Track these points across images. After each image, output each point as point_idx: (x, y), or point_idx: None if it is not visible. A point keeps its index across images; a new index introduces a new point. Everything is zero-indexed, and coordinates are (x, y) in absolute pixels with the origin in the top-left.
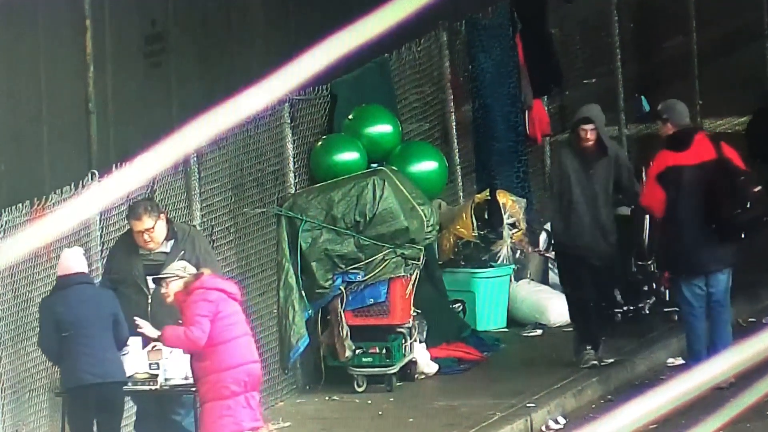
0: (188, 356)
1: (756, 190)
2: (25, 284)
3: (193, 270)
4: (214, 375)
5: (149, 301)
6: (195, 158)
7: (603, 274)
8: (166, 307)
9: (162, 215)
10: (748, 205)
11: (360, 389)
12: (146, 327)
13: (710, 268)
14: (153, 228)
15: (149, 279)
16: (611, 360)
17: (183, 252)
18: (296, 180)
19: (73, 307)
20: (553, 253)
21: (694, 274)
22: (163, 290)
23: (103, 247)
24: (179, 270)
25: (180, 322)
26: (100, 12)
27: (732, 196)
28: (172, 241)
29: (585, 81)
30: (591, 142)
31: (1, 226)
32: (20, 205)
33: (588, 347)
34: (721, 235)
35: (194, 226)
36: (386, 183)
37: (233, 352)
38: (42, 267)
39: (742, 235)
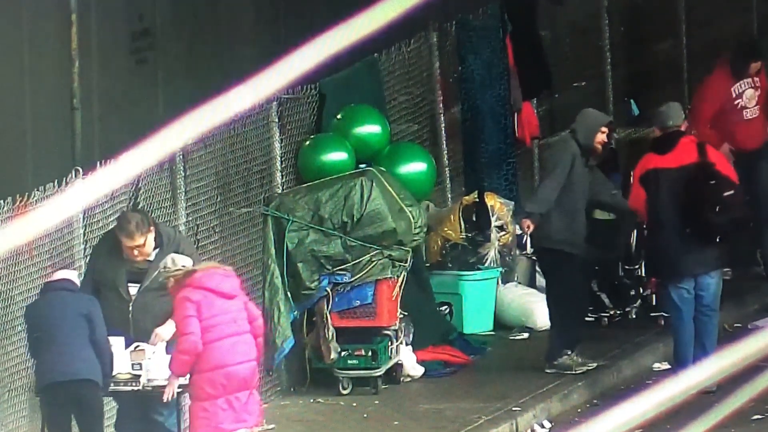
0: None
1: (727, 194)
2: (5, 282)
3: (184, 261)
4: (194, 375)
5: (130, 308)
6: (181, 156)
7: (584, 273)
8: (148, 313)
9: (152, 227)
10: (718, 209)
11: (345, 392)
12: (170, 387)
13: (696, 271)
14: (143, 244)
15: (131, 286)
16: (594, 364)
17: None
18: (283, 179)
19: (48, 309)
20: (537, 249)
21: (680, 277)
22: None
23: (86, 245)
24: (170, 265)
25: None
26: (86, 6)
27: (705, 199)
28: (157, 249)
29: (575, 84)
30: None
31: None
32: (2, 201)
33: (569, 352)
34: (697, 238)
35: (180, 230)
36: (374, 184)
37: (211, 355)
38: (24, 265)
39: (717, 239)
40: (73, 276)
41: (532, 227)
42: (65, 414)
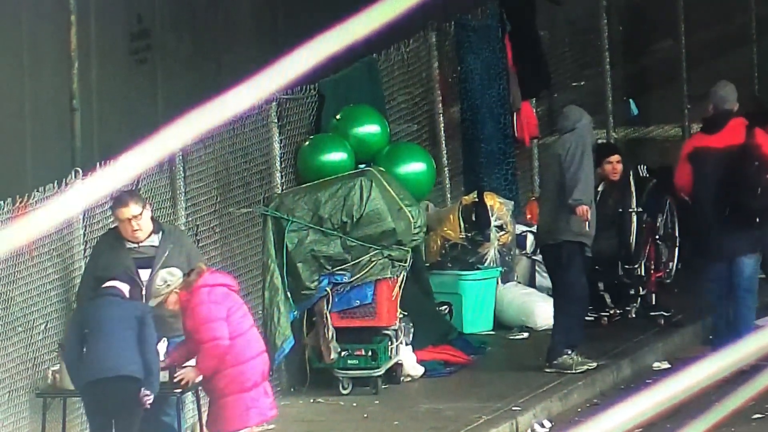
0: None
1: None
2: (6, 283)
3: (179, 273)
4: (233, 368)
5: (143, 293)
6: (180, 157)
7: (588, 273)
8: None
9: (147, 205)
10: (759, 191)
11: (345, 392)
12: (189, 374)
13: (732, 252)
14: (140, 215)
15: (140, 272)
16: (594, 364)
17: (171, 246)
18: (283, 180)
19: (98, 308)
20: (552, 244)
21: (716, 257)
22: (170, 307)
23: (85, 246)
24: (169, 279)
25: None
26: (85, 7)
27: (746, 180)
28: (160, 234)
29: (574, 83)
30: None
31: None
32: (2, 202)
33: (569, 351)
34: (735, 219)
35: (177, 226)
36: (374, 184)
37: (250, 344)
38: (24, 266)
39: (757, 220)
40: (124, 288)
41: (588, 212)
42: (106, 412)
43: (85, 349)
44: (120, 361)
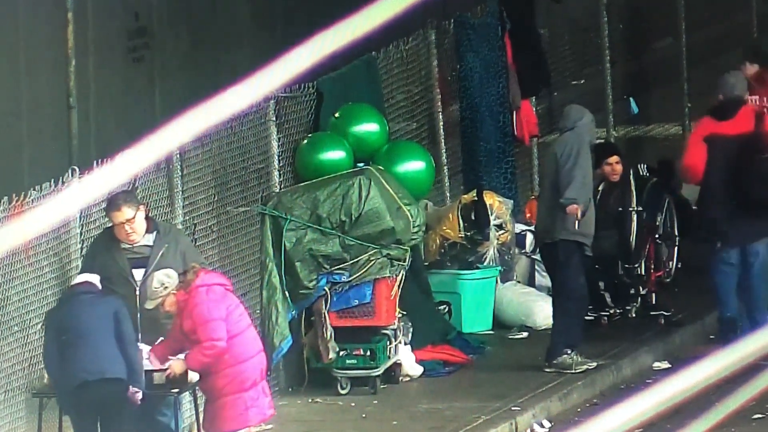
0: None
1: None
2: (2, 282)
3: (175, 275)
4: (232, 368)
5: (137, 293)
6: (178, 155)
7: (588, 272)
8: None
9: (141, 206)
10: (761, 181)
11: (344, 391)
12: (175, 366)
13: (744, 240)
14: (134, 218)
15: (135, 272)
16: (594, 363)
17: (167, 246)
18: (281, 178)
19: (76, 310)
20: (551, 242)
21: (727, 244)
22: (166, 309)
23: (82, 244)
24: (166, 281)
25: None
26: (82, 5)
27: (753, 169)
28: (155, 233)
29: (574, 82)
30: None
31: None
32: None
33: (569, 351)
34: (744, 207)
35: (174, 225)
36: (372, 183)
37: (248, 343)
38: (20, 264)
39: (762, 211)
40: (95, 279)
41: (580, 212)
42: (93, 415)
43: (66, 354)
44: (103, 364)
